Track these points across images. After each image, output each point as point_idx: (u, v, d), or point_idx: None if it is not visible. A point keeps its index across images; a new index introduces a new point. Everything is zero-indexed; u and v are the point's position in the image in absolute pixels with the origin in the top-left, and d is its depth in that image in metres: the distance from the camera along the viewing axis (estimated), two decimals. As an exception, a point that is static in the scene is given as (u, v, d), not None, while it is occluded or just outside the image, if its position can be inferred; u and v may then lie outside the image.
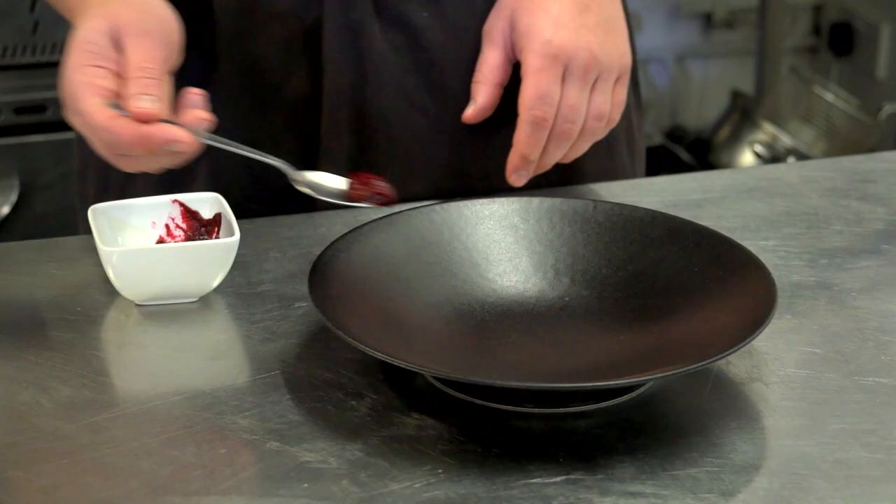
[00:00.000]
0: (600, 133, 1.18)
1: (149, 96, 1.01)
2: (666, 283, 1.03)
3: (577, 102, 1.14)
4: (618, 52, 1.17)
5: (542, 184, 1.23)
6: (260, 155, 1.06)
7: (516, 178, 1.17)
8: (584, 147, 1.18)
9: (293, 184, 1.07)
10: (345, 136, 1.21)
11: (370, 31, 1.19)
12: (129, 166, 1.05)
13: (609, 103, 1.17)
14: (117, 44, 1.04)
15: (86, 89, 1.02)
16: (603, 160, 1.30)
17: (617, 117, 1.18)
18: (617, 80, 1.17)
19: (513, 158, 1.17)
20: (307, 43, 1.20)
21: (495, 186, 1.22)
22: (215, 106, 1.07)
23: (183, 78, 1.09)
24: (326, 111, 1.21)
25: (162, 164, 1.05)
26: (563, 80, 1.14)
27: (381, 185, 1.06)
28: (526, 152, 1.15)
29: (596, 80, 1.15)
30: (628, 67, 1.18)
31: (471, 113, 1.20)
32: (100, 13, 1.05)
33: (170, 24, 1.07)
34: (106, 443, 0.90)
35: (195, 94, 1.05)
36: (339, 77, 1.20)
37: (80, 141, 1.31)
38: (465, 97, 1.20)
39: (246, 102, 1.22)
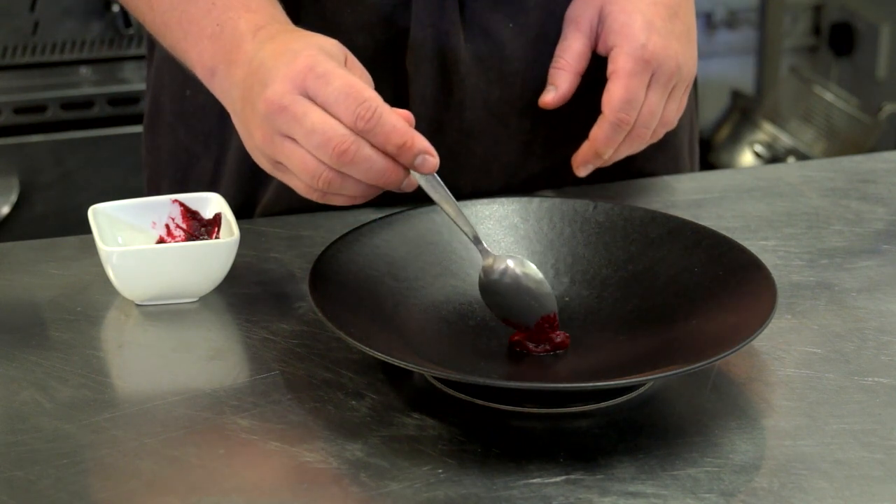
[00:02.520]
0: (658, 137, 1.18)
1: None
2: (666, 283, 1.03)
3: (656, 109, 1.15)
4: (693, 62, 1.18)
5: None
6: (465, 223, 1.01)
7: (583, 170, 1.16)
8: (641, 148, 1.18)
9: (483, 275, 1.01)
10: None
11: (455, 41, 1.18)
12: (338, 185, 0.99)
13: (677, 111, 1.18)
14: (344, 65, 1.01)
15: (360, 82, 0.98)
16: (670, 167, 1.31)
17: (676, 123, 1.19)
18: (685, 89, 1.18)
19: (585, 151, 1.15)
20: (392, 54, 1.18)
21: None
22: None
23: None
24: None
25: (362, 191, 0.99)
26: (648, 85, 1.14)
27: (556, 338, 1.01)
28: (601, 150, 1.15)
29: (672, 89, 1.16)
30: (694, 76, 1.19)
31: (550, 99, 1.17)
32: (318, 35, 1.02)
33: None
34: (106, 443, 0.90)
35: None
36: (423, 87, 1.18)
37: (152, 155, 1.29)
38: (548, 110, 1.19)
39: None
